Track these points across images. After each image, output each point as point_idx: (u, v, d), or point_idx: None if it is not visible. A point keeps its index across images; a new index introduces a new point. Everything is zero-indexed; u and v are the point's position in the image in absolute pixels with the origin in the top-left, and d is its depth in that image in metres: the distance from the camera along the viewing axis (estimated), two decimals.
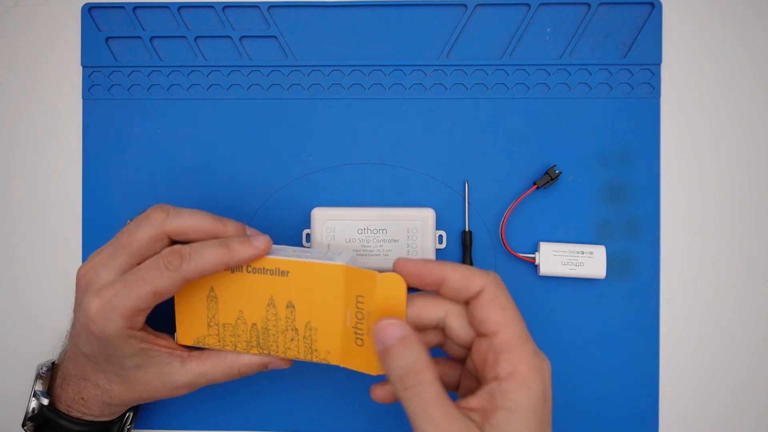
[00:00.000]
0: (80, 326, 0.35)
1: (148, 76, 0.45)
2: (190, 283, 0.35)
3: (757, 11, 0.45)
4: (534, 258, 0.43)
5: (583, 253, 0.43)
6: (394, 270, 0.33)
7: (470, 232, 0.44)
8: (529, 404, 0.30)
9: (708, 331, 0.44)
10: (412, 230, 0.42)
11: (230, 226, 0.36)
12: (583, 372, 0.44)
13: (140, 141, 0.45)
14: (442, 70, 0.45)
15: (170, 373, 0.37)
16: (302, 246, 0.44)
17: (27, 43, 0.46)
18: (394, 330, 0.30)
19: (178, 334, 0.38)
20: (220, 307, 0.37)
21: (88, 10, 0.45)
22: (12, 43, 0.46)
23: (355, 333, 0.34)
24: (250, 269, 0.35)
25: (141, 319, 0.35)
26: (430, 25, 0.45)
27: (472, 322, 0.32)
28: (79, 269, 0.36)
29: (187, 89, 0.45)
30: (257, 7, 0.45)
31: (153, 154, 0.45)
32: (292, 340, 0.36)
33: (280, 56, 0.45)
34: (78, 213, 0.45)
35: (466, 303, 0.33)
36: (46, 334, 0.45)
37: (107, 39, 0.45)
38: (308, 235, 0.44)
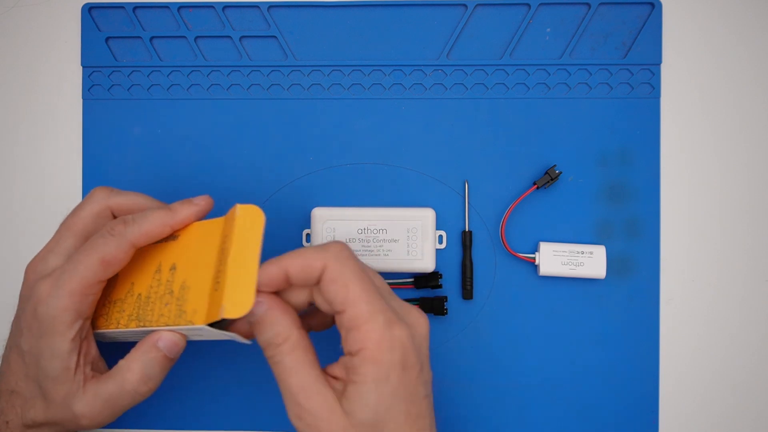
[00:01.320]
0: (27, 317, 0.34)
1: (148, 76, 0.45)
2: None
3: (757, 11, 0.45)
4: (534, 258, 0.43)
5: (583, 253, 0.43)
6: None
7: (470, 232, 0.44)
8: (378, 376, 0.30)
9: (708, 331, 0.44)
10: (412, 230, 0.42)
11: (177, 206, 0.36)
12: (583, 372, 0.44)
13: (140, 141, 0.45)
14: (442, 70, 0.45)
15: (74, 393, 0.34)
16: (302, 246, 0.44)
17: (27, 43, 0.46)
18: (256, 308, 0.31)
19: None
20: (117, 284, 0.36)
21: (88, 10, 0.45)
22: (12, 43, 0.46)
23: (216, 279, 0.32)
24: None
25: (90, 300, 0.34)
26: (430, 25, 0.45)
27: (320, 305, 0.32)
28: (28, 264, 0.36)
29: (187, 89, 0.45)
30: (257, 7, 0.45)
31: (153, 154, 0.45)
32: (166, 305, 0.33)
33: (280, 56, 0.45)
34: None
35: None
36: None
37: (107, 39, 0.45)
38: (308, 235, 0.44)
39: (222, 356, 0.45)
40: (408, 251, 0.42)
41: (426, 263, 0.42)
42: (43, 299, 0.33)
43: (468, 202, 0.44)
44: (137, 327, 0.34)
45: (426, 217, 0.42)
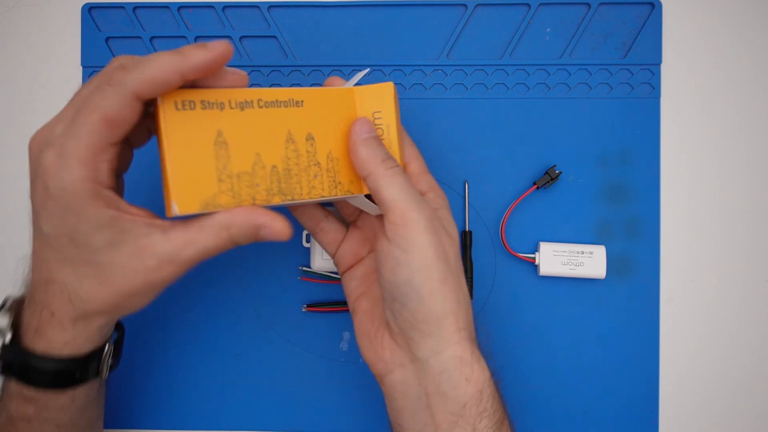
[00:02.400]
0: (39, 196, 0.29)
1: None
2: (187, 131, 0.29)
3: (757, 11, 0.45)
4: (534, 258, 0.43)
5: (583, 253, 0.43)
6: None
7: (470, 232, 0.44)
8: (444, 203, 0.36)
9: (708, 331, 0.44)
10: None
11: (188, 49, 0.30)
12: (583, 372, 0.44)
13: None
14: (442, 70, 0.45)
15: (150, 246, 0.29)
16: (303, 246, 0.44)
17: (27, 43, 0.46)
18: (369, 126, 0.34)
19: (178, 201, 0.29)
20: (231, 154, 0.30)
21: (88, 10, 0.45)
22: (12, 43, 0.46)
23: None
24: (261, 103, 0.31)
25: (104, 167, 0.29)
26: (430, 25, 0.45)
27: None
28: (33, 135, 0.30)
29: None
30: (257, 7, 0.45)
31: (152, 153, 0.45)
32: (315, 176, 0.32)
33: (280, 56, 0.45)
34: None
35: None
36: None
37: (107, 39, 0.45)
38: (308, 235, 0.44)
39: (222, 356, 0.45)
40: None
41: None
42: (51, 172, 0.28)
43: (468, 202, 0.44)
44: (282, 202, 0.31)
45: None
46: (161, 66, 0.28)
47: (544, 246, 0.43)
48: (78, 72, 0.46)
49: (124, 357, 0.45)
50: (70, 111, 0.30)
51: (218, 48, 0.29)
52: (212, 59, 0.29)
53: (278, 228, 0.30)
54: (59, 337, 0.31)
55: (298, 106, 0.32)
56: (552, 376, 0.44)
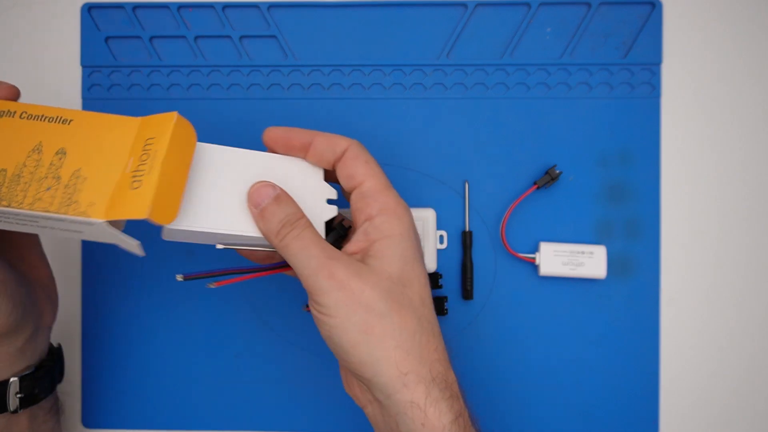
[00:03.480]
0: None
1: (147, 75, 0.45)
2: None
3: (756, 11, 0.45)
4: (534, 258, 0.43)
5: (583, 253, 0.43)
6: (263, 137, 0.35)
7: (470, 232, 0.44)
8: (402, 231, 0.33)
9: (708, 331, 0.44)
10: None
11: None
12: (583, 372, 0.44)
13: None
14: (442, 70, 0.45)
15: None
16: None
17: (27, 43, 0.46)
18: (266, 191, 0.32)
19: None
20: None
21: (87, 10, 0.45)
22: (12, 42, 0.46)
23: (133, 177, 0.31)
24: (24, 115, 0.32)
25: None
26: (430, 25, 0.45)
27: (341, 181, 0.35)
28: None
29: (187, 89, 0.45)
30: (257, 7, 0.45)
31: None
32: (48, 189, 0.31)
33: (280, 56, 0.45)
34: None
35: (332, 168, 0.35)
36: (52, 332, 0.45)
37: (107, 39, 0.45)
38: None
39: (222, 356, 0.45)
40: None
41: (427, 263, 0.42)
42: None
43: (468, 202, 0.44)
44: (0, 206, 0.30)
45: (426, 217, 0.42)
46: None
47: (544, 246, 0.43)
48: (78, 72, 0.46)
49: (125, 357, 0.45)
50: None
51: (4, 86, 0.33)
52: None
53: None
54: None
55: (64, 124, 0.32)
56: (552, 376, 0.44)
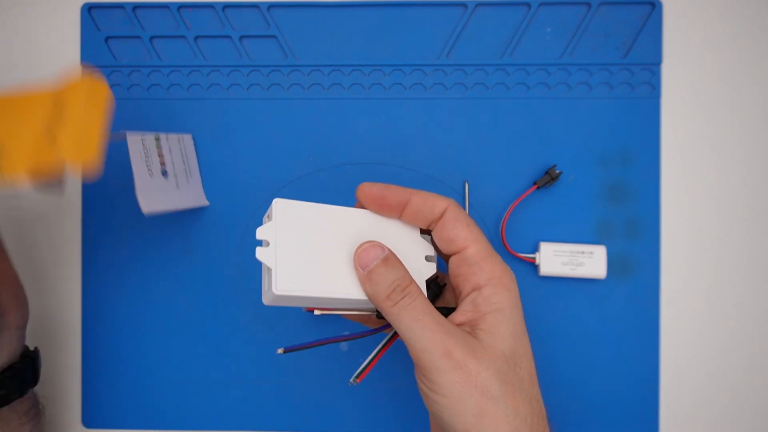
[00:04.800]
0: None
1: (147, 75, 0.45)
2: None
3: (756, 11, 0.45)
4: (534, 258, 0.43)
5: (583, 253, 0.43)
6: (357, 194, 0.33)
7: None
8: (512, 303, 0.32)
9: (708, 331, 0.44)
10: None
11: None
12: (583, 372, 0.44)
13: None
14: (442, 70, 0.45)
15: None
16: None
17: (27, 43, 0.46)
18: (375, 251, 0.31)
19: None
20: None
21: (87, 10, 0.45)
22: (12, 43, 0.46)
23: (50, 134, 0.32)
24: None
25: None
26: (430, 25, 0.45)
27: (440, 243, 0.33)
28: None
29: (187, 89, 0.45)
30: (257, 7, 0.45)
31: None
32: None
33: (280, 56, 0.45)
34: (78, 213, 0.45)
35: (427, 228, 0.34)
36: (51, 333, 0.45)
37: (107, 39, 0.45)
38: None
39: (221, 356, 0.45)
40: None
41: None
42: None
43: (468, 202, 0.44)
44: None
45: None
46: None
47: (544, 246, 0.43)
48: (78, 72, 0.46)
49: (125, 357, 0.45)
50: None
51: None
52: None
53: None
54: None
55: None
56: (552, 376, 0.44)
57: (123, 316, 0.45)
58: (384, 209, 0.33)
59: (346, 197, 0.44)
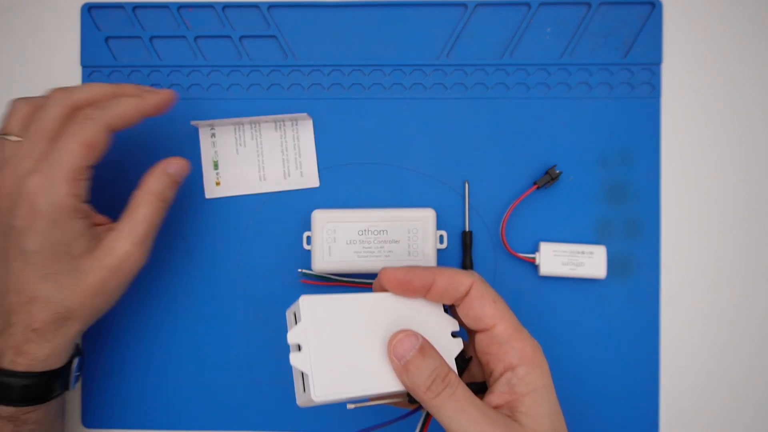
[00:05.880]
0: (24, 217, 0.34)
1: (147, 75, 0.45)
2: None
3: (756, 11, 0.45)
4: (534, 258, 0.43)
5: (583, 253, 0.43)
6: (381, 279, 0.33)
7: (470, 232, 0.44)
8: (546, 382, 0.32)
9: (708, 331, 0.44)
10: (413, 231, 0.42)
11: (127, 87, 0.38)
12: (583, 372, 0.44)
13: (139, 140, 0.45)
14: (442, 70, 0.45)
15: (114, 242, 0.36)
16: (304, 248, 0.44)
17: (27, 43, 0.46)
18: (410, 342, 0.31)
19: None
20: None
21: (87, 10, 0.45)
22: (12, 43, 0.46)
23: None
24: None
25: (83, 185, 0.35)
26: (430, 25, 0.45)
27: (466, 320, 0.33)
28: None
29: (187, 89, 0.45)
30: (257, 7, 0.45)
31: (152, 153, 0.45)
32: None
33: (280, 56, 0.45)
34: None
35: (451, 306, 0.34)
36: None
37: (107, 39, 0.45)
38: (309, 237, 0.44)
39: (221, 356, 0.45)
40: (409, 252, 0.42)
41: (427, 263, 0.42)
42: (39, 193, 0.34)
43: (468, 202, 0.44)
44: None
45: (426, 217, 0.42)
46: (127, 106, 0.36)
47: (544, 246, 0.43)
48: (78, 72, 0.46)
49: (125, 357, 0.45)
50: (35, 148, 0.35)
51: (167, 94, 0.38)
52: (166, 100, 0.38)
53: (177, 163, 0.38)
54: (41, 352, 0.36)
55: None
56: (552, 376, 0.44)
57: (123, 316, 0.45)
58: (409, 292, 0.33)
59: (346, 197, 0.44)
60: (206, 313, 0.45)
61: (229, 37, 0.45)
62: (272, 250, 0.44)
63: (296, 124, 0.44)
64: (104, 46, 0.45)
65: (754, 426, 0.44)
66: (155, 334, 0.45)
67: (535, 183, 0.43)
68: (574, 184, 0.44)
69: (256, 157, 0.44)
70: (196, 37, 0.45)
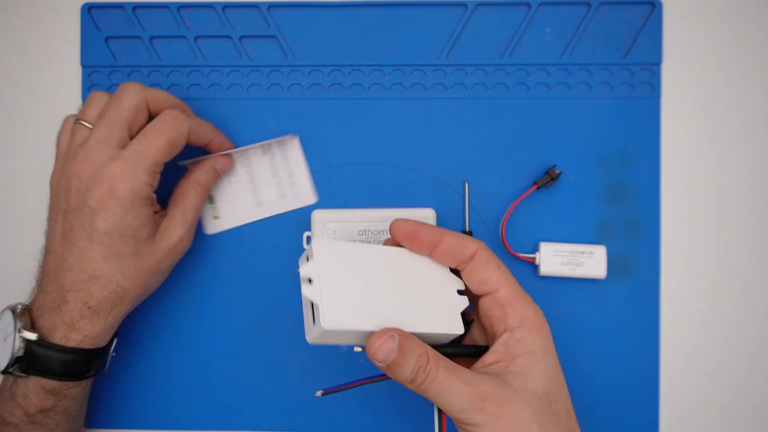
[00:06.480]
0: (101, 198, 0.36)
1: (147, 75, 0.45)
2: None
3: (756, 11, 0.45)
4: (534, 258, 0.43)
5: (583, 253, 0.43)
6: (391, 229, 0.35)
7: (470, 232, 0.44)
8: (544, 344, 0.33)
9: (708, 331, 0.44)
10: None
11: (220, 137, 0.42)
12: (583, 372, 0.44)
13: None
14: (442, 70, 0.45)
15: (171, 228, 0.39)
16: (304, 249, 0.44)
17: (27, 43, 0.46)
18: (388, 345, 0.31)
19: None
20: None
21: (87, 10, 0.45)
22: (12, 43, 0.46)
23: None
24: None
25: (158, 177, 0.38)
26: (430, 25, 0.45)
27: (471, 284, 0.34)
28: (73, 162, 0.37)
29: (187, 89, 0.45)
30: (257, 7, 0.45)
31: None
32: None
33: (280, 56, 0.45)
34: None
35: (455, 268, 0.35)
36: None
37: (107, 39, 0.45)
38: (309, 237, 0.44)
39: (222, 356, 0.45)
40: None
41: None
42: (120, 178, 0.36)
43: (468, 202, 0.44)
44: None
45: (426, 217, 0.42)
46: (207, 127, 0.41)
47: (544, 246, 0.43)
48: (78, 72, 0.46)
49: (125, 357, 0.45)
50: (112, 134, 0.37)
51: (226, 159, 0.43)
52: (224, 145, 0.42)
53: (224, 161, 0.42)
54: (94, 329, 0.37)
55: None
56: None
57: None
58: (416, 245, 0.35)
59: (346, 197, 0.44)
60: (206, 313, 0.45)
61: (229, 37, 0.45)
62: (272, 250, 0.44)
63: (283, 145, 0.44)
64: (104, 46, 0.45)
65: (754, 426, 0.44)
66: (155, 334, 0.45)
67: (535, 183, 0.43)
68: (574, 184, 0.44)
69: (250, 184, 0.44)
70: (196, 37, 0.45)
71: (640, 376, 0.43)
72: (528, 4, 0.44)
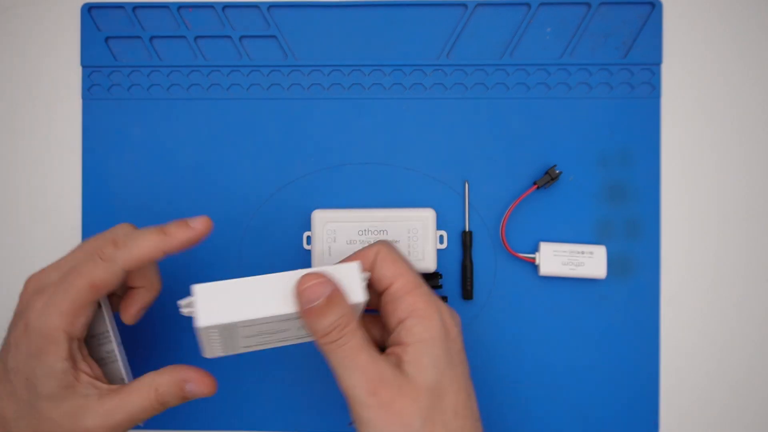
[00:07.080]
0: (17, 333, 0.33)
1: (147, 75, 0.45)
2: None
3: (756, 11, 0.45)
4: (534, 258, 0.43)
5: (583, 253, 0.43)
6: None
7: (470, 232, 0.44)
8: (434, 334, 0.32)
9: (708, 331, 0.44)
10: (413, 231, 0.42)
11: (172, 229, 0.34)
12: (583, 372, 0.44)
13: (139, 141, 0.45)
14: (442, 70, 0.45)
15: (85, 408, 0.32)
16: (304, 248, 0.44)
17: (27, 43, 0.46)
18: (320, 288, 0.31)
19: None
20: None
21: (87, 10, 0.45)
22: (12, 43, 0.46)
23: None
24: None
25: (82, 321, 0.33)
26: (430, 25, 0.45)
27: (375, 285, 0.34)
28: (30, 276, 0.35)
29: (187, 89, 0.45)
30: (257, 7, 0.45)
31: (152, 154, 0.45)
32: None
33: (280, 56, 0.45)
34: (77, 213, 0.45)
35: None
36: None
37: (107, 39, 0.45)
38: (308, 237, 0.44)
39: (223, 356, 0.44)
40: (409, 252, 0.42)
41: (427, 263, 0.42)
42: (34, 316, 0.32)
43: (468, 202, 0.44)
44: None
45: (426, 217, 0.42)
46: (147, 246, 0.33)
47: (544, 246, 0.43)
48: (78, 72, 0.46)
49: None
50: (67, 262, 0.34)
51: (198, 227, 0.34)
52: (193, 238, 0.33)
53: (205, 383, 0.34)
54: None
55: None
56: (552, 375, 0.44)
57: None
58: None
59: (346, 197, 0.44)
60: None
61: (229, 37, 0.45)
62: (272, 250, 0.44)
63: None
64: (104, 46, 0.45)
65: (754, 426, 0.44)
66: (154, 333, 0.45)
67: (535, 183, 0.43)
68: (574, 184, 0.44)
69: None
70: (196, 37, 0.45)
71: (640, 376, 0.44)
72: (528, 4, 0.44)
